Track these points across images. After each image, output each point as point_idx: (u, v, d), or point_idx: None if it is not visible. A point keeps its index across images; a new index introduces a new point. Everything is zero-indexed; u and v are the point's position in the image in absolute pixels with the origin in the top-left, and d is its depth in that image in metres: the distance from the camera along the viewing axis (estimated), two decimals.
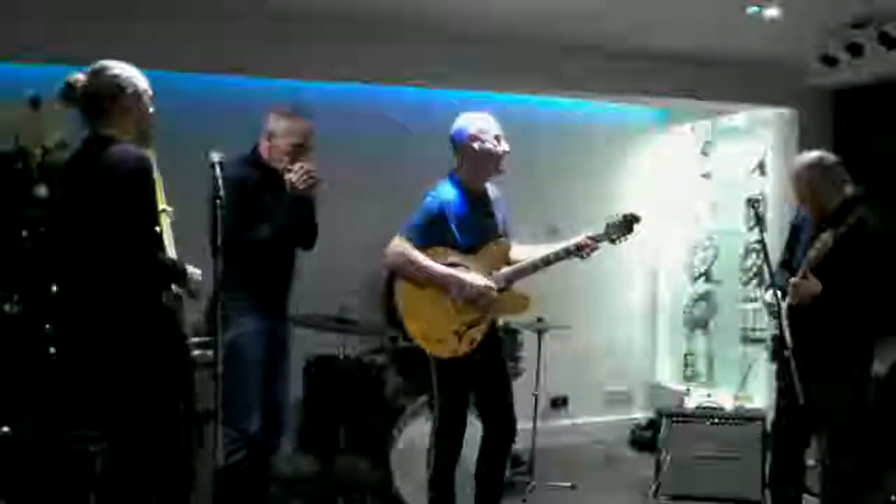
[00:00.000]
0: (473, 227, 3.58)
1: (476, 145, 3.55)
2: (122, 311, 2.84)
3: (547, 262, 3.57)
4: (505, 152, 3.60)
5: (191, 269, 3.02)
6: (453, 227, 3.54)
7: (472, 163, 3.59)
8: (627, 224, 3.55)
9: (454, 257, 3.55)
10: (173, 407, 2.98)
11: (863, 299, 3.48)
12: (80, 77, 2.92)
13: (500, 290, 3.57)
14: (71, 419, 3.40)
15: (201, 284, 3.05)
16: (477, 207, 3.62)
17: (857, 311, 3.50)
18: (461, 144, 3.59)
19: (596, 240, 3.57)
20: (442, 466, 3.65)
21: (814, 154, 3.66)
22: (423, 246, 3.53)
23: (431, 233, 3.53)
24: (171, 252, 3.00)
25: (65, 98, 2.92)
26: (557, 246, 3.58)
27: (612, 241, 3.57)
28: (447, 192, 3.58)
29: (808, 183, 3.61)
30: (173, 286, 2.96)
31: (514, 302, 3.65)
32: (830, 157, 3.65)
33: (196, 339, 3.13)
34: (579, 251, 3.56)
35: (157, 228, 2.91)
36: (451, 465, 3.66)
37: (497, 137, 3.59)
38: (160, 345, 2.89)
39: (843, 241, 3.41)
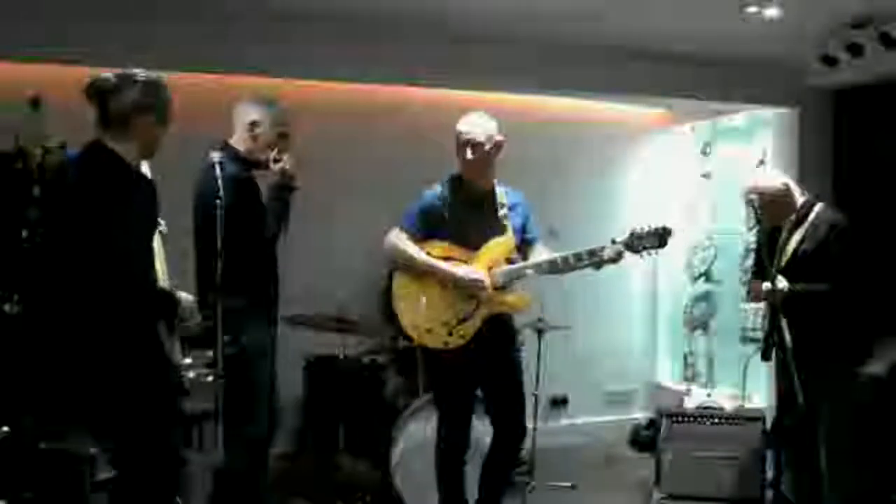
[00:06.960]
0: (470, 224, 3.57)
1: (458, 147, 3.55)
2: (100, 337, 2.67)
3: (553, 264, 3.49)
4: (464, 143, 3.50)
5: (183, 296, 2.88)
6: (449, 221, 3.56)
7: (460, 162, 3.59)
8: (660, 237, 3.32)
9: (453, 252, 3.56)
10: (154, 430, 2.79)
11: (837, 291, 3.66)
12: (109, 77, 2.76)
13: (498, 289, 3.54)
14: (69, 419, 3.40)
15: (195, 310, 2.92)
16: (476, 206, 3.61)
17: (833, 305, 3.68)
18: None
19: (619, 251, 3.34)
20: (445, 462, 3.66)
21: (775, 175, 3.97)
22: (420, 238, 3.55)
23: (427, 225, 3.56)
24: (161, 271, 2.90)
25: (86, 95, 2.76)
26: (568, 251, 3.45)
27: (638, 253, 3.35)
28: (445, 187, 3.62)
29: (783, 202, 3.83)
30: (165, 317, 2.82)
31: (513, 301, 3.62)
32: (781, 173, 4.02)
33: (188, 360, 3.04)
34: (594, 258, 3.37)
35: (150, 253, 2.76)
36: (455, 461, 3.66)
37: (463, 136, 3.51)
38: (140, 373, 2.71)
39: (808, 237, 3.76)
